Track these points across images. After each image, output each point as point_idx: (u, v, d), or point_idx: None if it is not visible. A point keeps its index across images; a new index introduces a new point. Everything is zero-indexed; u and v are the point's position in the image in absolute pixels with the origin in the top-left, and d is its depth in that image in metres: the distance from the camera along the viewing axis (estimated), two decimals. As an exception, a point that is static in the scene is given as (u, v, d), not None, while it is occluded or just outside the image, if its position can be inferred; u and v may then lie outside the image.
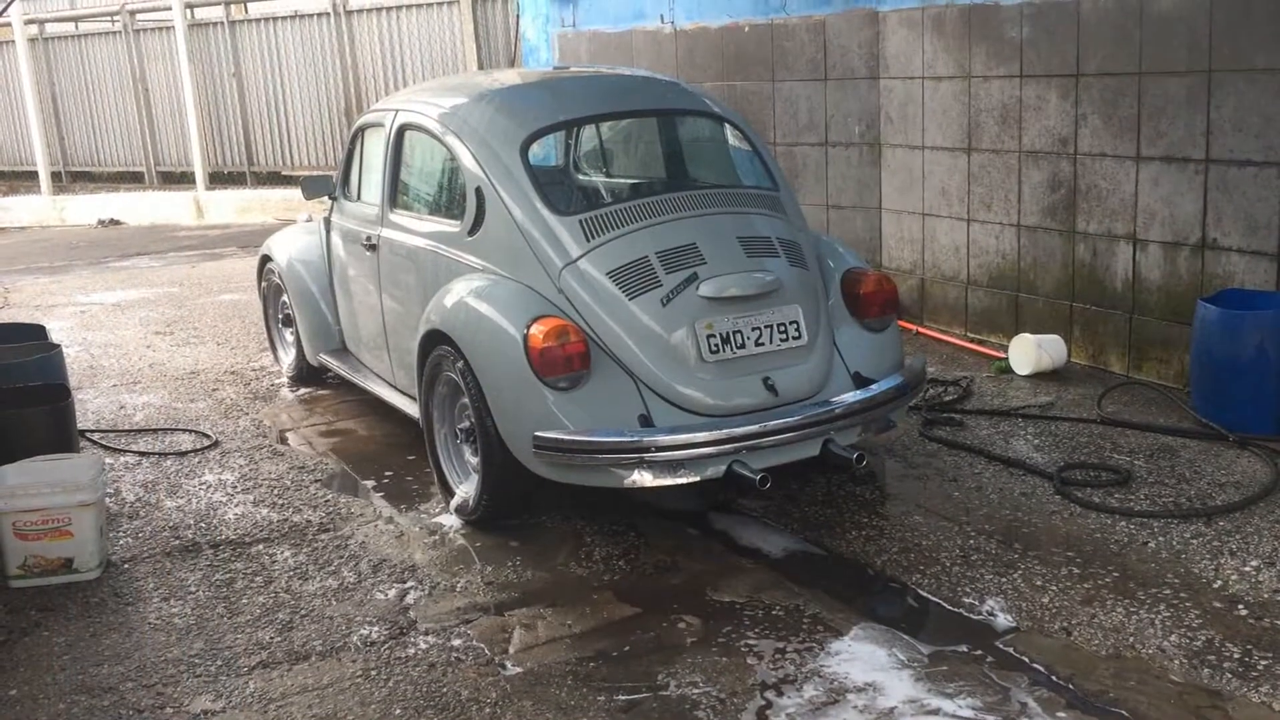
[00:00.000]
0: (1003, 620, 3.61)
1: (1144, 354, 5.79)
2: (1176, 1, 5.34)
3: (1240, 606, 3.60)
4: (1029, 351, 5.97)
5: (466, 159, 4.59)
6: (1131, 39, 5.56)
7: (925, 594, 3.81)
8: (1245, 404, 4.94)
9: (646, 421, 4.02)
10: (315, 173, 12.82)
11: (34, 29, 15.95)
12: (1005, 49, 6.21)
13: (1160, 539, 4.08)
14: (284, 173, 14.57)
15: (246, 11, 14.94)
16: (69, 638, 3.77)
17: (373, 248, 5.29)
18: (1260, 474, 4.57)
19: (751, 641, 3.56)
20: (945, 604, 3.74)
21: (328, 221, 5.95)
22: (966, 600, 3.74)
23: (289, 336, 6.51)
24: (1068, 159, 6.00)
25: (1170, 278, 5.60)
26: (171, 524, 4.66)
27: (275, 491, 4.96)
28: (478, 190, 4.51)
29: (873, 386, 4.30)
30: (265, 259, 6.56)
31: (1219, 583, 3.75)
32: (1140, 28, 5.51)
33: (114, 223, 14.14)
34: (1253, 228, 5.20)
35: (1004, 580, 3.85)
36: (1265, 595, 3.66)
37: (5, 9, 10.88)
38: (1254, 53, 5.07)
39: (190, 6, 14.65)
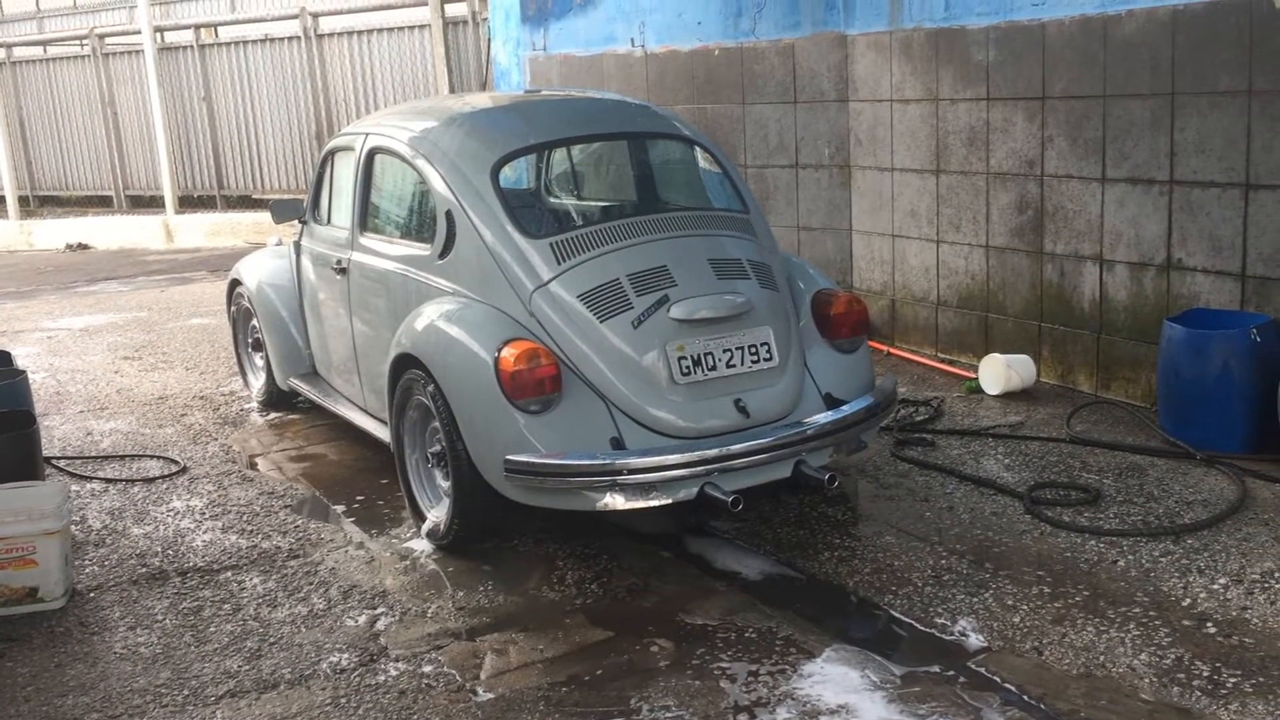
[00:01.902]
0: (974, 640, 3.61)
1: (1112, 373, 5.84)
2: (1140, 26, 5.42)
3: (1209, 624, 3.62)
4: (999, 371, 6.01)
5: (437, 182, 4.59)
6: (1096, 62, 5.63)
7: (898, 614, 3.81)
8: (1212, 422, 4.98)
9: (618, 444, 4.02)
10: (286, 196, 12.76)
11: (1, 53, 15.85)
12: (972, 72, 6.27)
13: (1129, 557, 4.10)
14: (254, 196, 14.51)
15: (216, 35, 14.90)
16: (33, 668, 3.71)
17: (343, 271, 5.27)
18: (1227, 492, 4.61)
19: (724, 664, 3.55)
20: (918, 624, 3.74)
21: (298, 245, 5.93)
22: (939, 620, 3.74)
23: (259, 361, 6.46)
24: (1035, 180, 6.05)
25: (1137, 298, 5.66)
26: (138, 551, 4.61)
27: (244, 518, 4.92)
28: (448, 213, 4.50)
29: (844, 407, 4.31)
30: (235, 283, 6.52)
31: (1188, 600, 3.78)
32: (1104, 51, 5.58)
33: (82, 247, 14.04)
34: (1217, 248, 5.27)
35: (975, 600, 3.86)
36: (1233, 613, 3.68)
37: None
38: (1216, 76, 5.14)
39: (160, 30, 14.61)
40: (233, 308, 6.65)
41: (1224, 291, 5.27)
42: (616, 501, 3.95)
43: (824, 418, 4.24)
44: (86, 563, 4.51)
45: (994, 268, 6.39)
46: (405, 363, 4.47)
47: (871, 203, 7.09)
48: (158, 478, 5.46)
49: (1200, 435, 5.00)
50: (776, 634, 3.71)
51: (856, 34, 6.91)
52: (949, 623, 3.72)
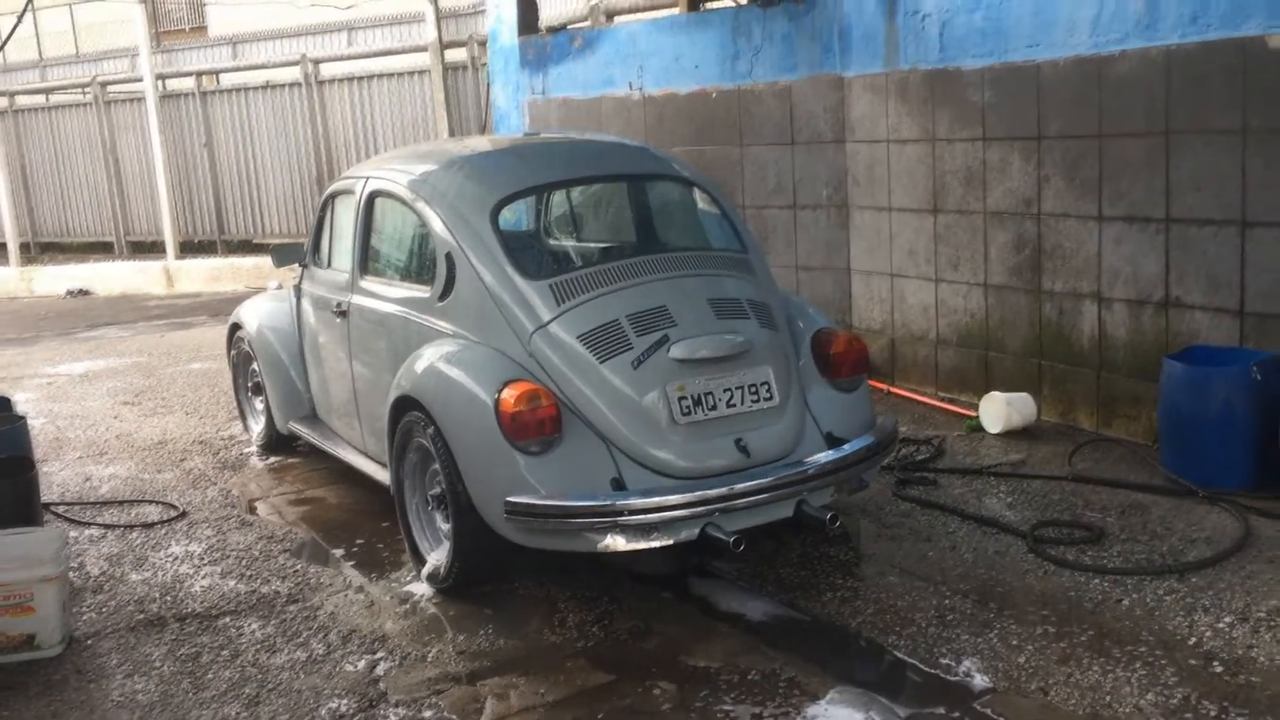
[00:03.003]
0: (980, 681, 3.58)
1: (1113, 411, 5.83)
2: (1133, 65, 5.46)
3: (1215, 663, 3.59)
4: (999, 410, 6.00)
5: (436, 225, 4.61)
6: (1091, 102, 5.67)
7: (902, 655, 3.78)
8: (1213, 459, 4.97)
9: (619, 485, 4.00)
10: (287, 240, 12.80)
11: (4, 101, 15.97)
12: (968, 112, 6.31)
13: (1134, 596, 4.08)
14: (255, 241, 14.55)
15: (218, 82, 15.01)
16: (30, 717, 3.68)
17: (343, 314, 5.28)
18: (1230, 529, 4.59)
19: (728, 707, 3.51)
20: (922, 665, 3.71)
21: (298, 289, 5.95)
22: (943, 661, 3.71)
23: (259, 404, 6.46)
24: (1032, 219, 6.08)
25: (1136, 335, 5.66)
26: (136, 597, 4.58)
27: (243, 562, 4.89)
28: (448, 256, 4.52)
29: (845, 446, 4.30)
30: (235, 327, 6.53)
31: (1193, 639, 3.75)
32: (1099, 91, 5.62)
33: (83, 293, 14.07)
34: (1215, 285, 5.28)
35: (980, 640, 3.83)
36: (1240, 651, 3.65)
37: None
38: (1211, 114, 5.18)
39: (162, 77, 14.72)
40: (233, 351, 6.66)
41: (1223, 328, 5.27)
42: (618, 542, 3.93)
43: (825, 457, 4.24)
44: (84, 609, 4.47)
45: (993, 306, 6.40)
46: (405, 405, 4.46)
47: (870, 242, 7.11)
48: (157, 523, 5.44)
49: (1202, 472, 4.98)
50: (780, 676, 3.68)
51: (853, 76, 6.97)
52: (953, 663, 3.69)
